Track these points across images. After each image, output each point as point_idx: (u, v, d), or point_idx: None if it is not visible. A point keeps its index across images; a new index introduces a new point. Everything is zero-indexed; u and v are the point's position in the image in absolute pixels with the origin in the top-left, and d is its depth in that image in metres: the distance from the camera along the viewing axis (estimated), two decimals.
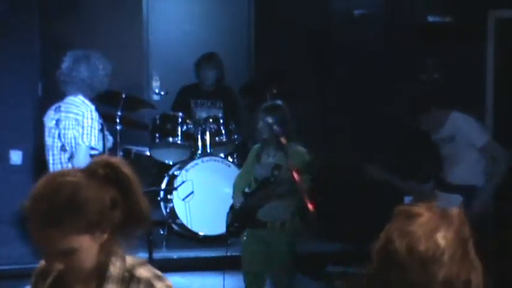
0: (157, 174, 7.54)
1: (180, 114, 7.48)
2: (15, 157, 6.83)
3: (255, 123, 5.57)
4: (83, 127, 5.42)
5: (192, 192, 7.25)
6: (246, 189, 5.65)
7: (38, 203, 2.03)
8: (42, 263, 2.26)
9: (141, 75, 8.58)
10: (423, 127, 5.95)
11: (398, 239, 1.76)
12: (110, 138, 5.87)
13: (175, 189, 7.11)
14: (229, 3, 8.89)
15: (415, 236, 1.75)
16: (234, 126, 7.60)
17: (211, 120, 7.54)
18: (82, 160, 5.33)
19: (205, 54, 7.95)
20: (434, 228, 1.76)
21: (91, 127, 5.44)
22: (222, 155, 7.52)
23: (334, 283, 5.74)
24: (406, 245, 1.75)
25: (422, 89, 7.12)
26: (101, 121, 5.60)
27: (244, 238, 5.56)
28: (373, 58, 7.56)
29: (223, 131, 7.53)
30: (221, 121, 7.56)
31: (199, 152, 7.49)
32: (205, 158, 7.36)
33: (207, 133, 7.47)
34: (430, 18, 7.34)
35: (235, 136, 7.62)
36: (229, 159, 7.51)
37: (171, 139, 7.40)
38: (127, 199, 2.12)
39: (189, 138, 7.48)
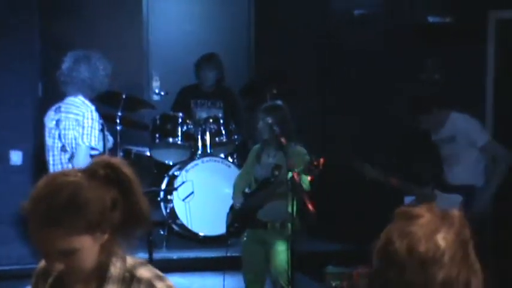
0: (157, 174, 7.54)
1: (180, 114, 7.48)
2: (16, 157, 6.83)
3: (255, 124, 5.57)
4: (83, 127, 5.43)
5: (192, 193, 7.25)
6: (246, 190, 5.65)
7: (38, 203, 2.03)
8: (43, 263, 2.26)
9: (141, 76, 8.58)
10: (423, 127, 5.95)
11: (398, 239, 1.77)
12: (110, 139, 5.87)
13: (176, 189, 7.11)
14: (229, 3, 8.89)
15: (415, 237, 1.75)
16: (234, 126, 7.61)
17: (211, 120, 7.54)
18: (82, 160, 5.33)
19: (205, 54, 7.96)
20: (434, 230, 1.76)
21: (91, 127, 5.44)
22: (222, 155, 7.52)
23: (334, 283, 5.74)
24: (406, 246, 1.75)
25: (422, 89, 7.12)
26: (101, 121, 5.60)
27: (245, 238, 5.56)
28: (373, 58, 7.56)
29: (223, 132, 7.53)
30: (221, 121, 7.56)
31: (200, 152, 7.49)
32: (205, 159, 7.37)
33: (207, 133, 7.47)
34: (430, 19, 7.34)
35: (236, 136, 7.62)
36: (230, 159, 7.52)
37: (171, 139, 7.40)
38: (127, 199, 2.12)
39: (189, 138, 7.48)
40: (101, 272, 2.15)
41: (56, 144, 5.55)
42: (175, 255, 7.10)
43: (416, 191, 5.85)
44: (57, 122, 5.55)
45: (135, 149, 7.44)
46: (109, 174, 2.11)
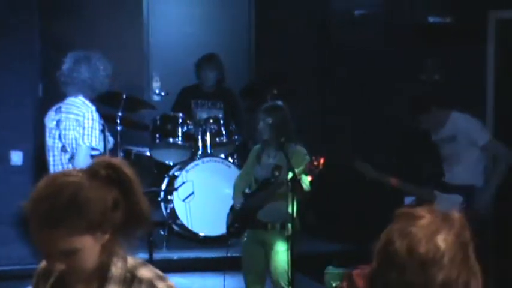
0: (157, 174, 7.54)
1: (181, 115, 7.49)
2: (16, 158, 6.84)
3: (256, 124, 5.57)
4: (83, 128, 5.43)
5: (193, 193, 7.25)
6: (247, 190, 5.65)
7: (39, 204, 2.03)
8: (43, 263, 2.27)
9: (141, 76, 8.59)
10: (423, 127, 5.95)
11: (398, 240, 1.77)
12: (111, 139, 5.88)
13: (176, 189, 7.12)
14: (229, 5, 8.89)
15: (415, 238, 1.75)
16: (234, 127, 7.61)
17: (211, 121, 7.54)
18: (83, 161, 5.33)
19: (206, 55, 7.96)
20: (435, 231, 1.76)
21: (91, 128, 5.44)
22: (222, 155, 7.53)
23: (334, 283, 5.74)
24: (407, 246, 1.75)
25: (422, 89, 7.12)
26: (101, 122, 5.60)
27: (245, 239, 5.57)
28: (373, 58, 7.56)
29: (223, 132, 7.53)
30: (221, 122, 7.56)
31: (200, 152, 7.49)
32: (205, 159, 7.37)
33: (208, 134, 7.47)
34: (431, 19, 7.34)
35: (236, 137, 7.62)
36: (230, 159, 7.52)
37: (171, 140, 7.40)
38: (128, 200, 2.12)
39: (190, 138, 7.48)
40: (101, 272, 2.15)
41: (56, 145, 5.55)
42: (175, 255, 7.10)
43: (416, 191, 5.85)
44: (58, 122, 5.55)
45: (135, 149, 7.44)
46: (110, 174, 2.11)
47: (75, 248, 2.05)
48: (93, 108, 5.55)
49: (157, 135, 7.39)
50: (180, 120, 7.42)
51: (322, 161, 4.98)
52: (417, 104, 5.93)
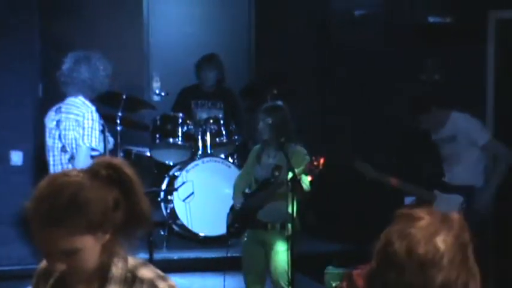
0: (157, 175, 7.54)
1: (181, 115, 7.49)
2: (16, 158, 6.83)
3: (256, 124, 5.57)
4: (83, 128, 5.43)
5: (193, 193, 7.25)
6: (247, 190, 5.65)
7: (40, 203, 2.03)
8: (44, 264, 2.27)
9: (141, 76, 8.59)
10: (423, 127, 5.95)
11: (398, 241, 1.77)
12: (111, 140, 5.88)
13: (176, 190, 7.12)
14: (229, 5, 8.90)
15: (414, 239, 1.75)
16: (234, 127, 7.61)
17: (211, 121, 7.54)
18: (83, 161, 5.33)
19: (206, 55, 7.96)
20: (434, 232, 1.76)
21: (92, 128, 5.44)
22: (222, 155, 7.53)
23: (334, 283, 5.74)
24: (406, 247, 1.75)
25: (422, 89, 7.12)
26: (101, 122, 5.60)
27: (245, 239, 5.57)
28: (373, 58, 7.56)
29: (223, 132, 7.54)
30: (221, 122, 7.56)
31: (200, 152, 7.49)
32: (205, 159, 7.37)
33: (208, 134, 7.47)
34: (431, 19, 7.34)
35: (236, 137, 7.62)
36: (230, 160, 7.52)
37: (171, 140, 7.40)
38: (129, 200, 2.13)
39: (190, 139, 7.48)
40: (102, 272, 2.16)
41: (56, 145, 5.55)
42: (175, 255, 7.11)
43: (416, 191, 5.85)
44: (58, 122, 5.55)
45: (135, 149, 7.44)
46: (111, 174, 2.11)
47: (76, 247, 2.05)
48: (93, 108, 5.55)
49: (157, 135, 7.39)
50: (180, 121, 7.42)
51: (322, 161, 4.98)
52: (417, 104, 5.93)
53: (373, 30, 7.74)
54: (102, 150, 5.56)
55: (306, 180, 5.18)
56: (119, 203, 2.11)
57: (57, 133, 5.55)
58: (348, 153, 6.84)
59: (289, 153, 5.20)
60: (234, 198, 5.70)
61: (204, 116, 7.79)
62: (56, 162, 5.55)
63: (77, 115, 5.48)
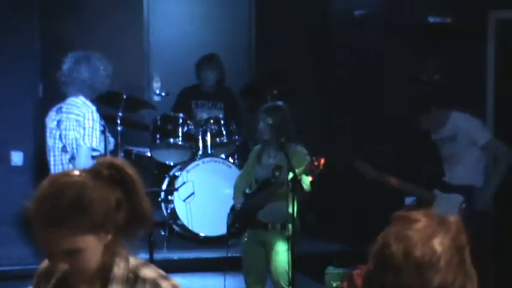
0: (158, 175, 7.54)
1: (181, 115, 7.49)
2: (16, 158, 6.84)
3: (256, 124, 5.58)
4: (84, 128, 5.43)
5: (193, 193, 7.25)
6: (247, 190, 5.65)
7: (42, 203, 2.03)
8: (44, 264, 2.27)
9: (141, 76, 8.59)
10: (423, 127, 5.95)
11: (395, 243, 1.77)
12: (112, 140, 5.88)
13: (176, 190, 7.12)
14: (229, 4, 8.90)
15: (411, 241, 1.75)
16: (234, 127, 7.61)
17: (212, 121, 7.54)
18: (83, 161, 5.34)
19: (206, 55, 7.96)
20: (431, 234, 1.77)
21: (92, 128, 5.44)
22: (222, 155, 7.53)
23: (334, 284, 5.74)
24: (403, 250, 1.75)
25: (422, 89, 7.12)
26: (102, 123, 5.60)
27: (245, 239, 5.57)
28: (373, 58, 7.56)
29: (224, 132, 7.54)
30: (222, 122, 7.56)
31: (200, 152, 7.50)
32: (206, 159, 7.37)
33: (208, 134, 7.48)
34: (431, 19, 7.33)
35: (236, 137, 7.62)
36: (230, 160, 7.52)
37: (171, 140, 7.40)
38: (131, 200, 2.13)
39: (190, 139, 7.49)
40: (104, 272, 2.16)
41: (56, 145, 5.55)
42: (176, 255, 7.11)
43: (416, 191, 5.85)
44: (58, 122, 5.55)
45: (135, 149, 7.45)
46: (113, 174, 2.12)
47: (78, 247, 2.05)
48: (94, 108, 5.55)
49: (158, 136, 7.39)
50: (181, 121, 7.42)
51: (322, 161, 4.98)
52: (417, 104, 5.93)
53: (373, 30, 7.74)
54: (102, 151, 5.56)
55: (307, 181, 5.18)
56: (121, 203, 2.11)
57: (57, 133, 5.55)
58: (348, 153, 6.84)
59: (289, 153, 5.20)
60: (234, 198, 5.70)
61: (205, 116, 7.79)
62: (57, 163, 5.55)
63: (78, 115, 5.48)
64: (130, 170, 2.15)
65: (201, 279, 6.72)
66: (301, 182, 5.09)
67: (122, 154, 6.47)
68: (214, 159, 7.40)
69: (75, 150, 5.46)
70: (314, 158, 5.05)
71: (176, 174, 7.37)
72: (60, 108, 5.60)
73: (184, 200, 7.23)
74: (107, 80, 5.67)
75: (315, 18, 8.47)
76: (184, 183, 7.18)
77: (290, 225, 5.20)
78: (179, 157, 7.56)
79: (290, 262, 5.19)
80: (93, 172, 2.11)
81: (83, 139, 5.41)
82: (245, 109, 7.97)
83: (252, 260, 5.52)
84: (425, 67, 7.41)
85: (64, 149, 5.52)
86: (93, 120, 5.46)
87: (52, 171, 5.50)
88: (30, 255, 6.10)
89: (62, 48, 6.21)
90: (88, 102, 5.55)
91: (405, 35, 7.43)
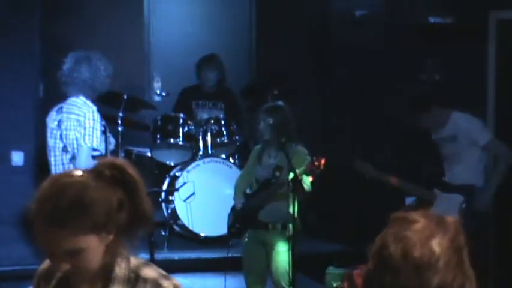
0: (158, 175, 7.54)
1: (182, 115, 7.49)
2: (17, 158, 6.84)
3: (256, 124, 5.58)
4: (84, 128, 5.43)
5: (194, 193, 7.25)
6: (248, 190, 5.65)
7: (44, 204, 2.04)
8: (45, 264, 2.27)
9: (142, 77, 8.59)
10: (423, 126, 5.95)
11: (393, 244, 1.77)
12: (112, 141, 5.88)
13: (177, 190, 7.12)
14: (230, 4, 8.90)
15: (410, 242, 1.76)
16: (235, 127, 7.61)
17: (212, 121, 7.54)
18: (84, 161, 5.34)
19: (206, 55, 7.96)
20: (429, 235, 1.77)
21: (93, 128, 5.44)
22: (223, 156, 7.53)
23: (334, 284, 5.74)
24: (401, 250, 1.75)
25: (422, 89, 7.12)
26: (103, 123, 5.61)
27: (246, 239, 5.57)
28: (373, 58, 7.57)
29: (224, 132, 7.54)
30: (222, 122, 7.56)
31: (201, 153, 7.50)
32: (206, 159, 7.37)
33: (209, 134, 7.48)
34: (431, 19, 7.33)
35: (237, 137, 7.62)
36: (231, 160, 7.52)
37: (172, 140, 7.41)
38: (132, 200, 2.13)
39: (191, 139, 7.49)
40: (105, 272, 2.16)
41: (57, 145, 5.55)
42: (176, 255, 7.10)
43: (416, 190, 5.85)
44: (59, 122, 5.55)
45: (136, 149, 7.45)
46: (115, 175, 2.12)
47: (79, 247, 2.05)
48: (95, 108, 5.55)
49: (158, 136, 7.39)
50: (181, 121, 7.42)
51: (323, 161, 4.99)
52: (417, 103, 5.93)
53: (373, 31, 7.74)
54: (103, 151, 5.56)
55: (307, 181, 5.18)
56: (123, 203, 2.11)
57: (58, 133, 5.55)
58: (348, 153, 6.84)
59: (290, 153, 5.21)
60: (235, 198, 5.70)
61: (205, 116, 7.79)
62: (57, 163, 5.55)
63: (78, 115, 5.48)
64: (132, 171, 2.15)
65: (202, 279, 6.72)
66: (302, 182, 5.09)
67: (122, 154, 6.47)
68: (215, 159, 7.40)
69: (75, 150, 5.46)
70: (314, 158, 5.05)
71: (177, 174, 7.37)
72: (61, 108, 5.60)
73: (184, 200, 7.23)
74: (108, 80, 5.67)
75: (315, 18, 8.47)
76: (184, 183, 7.18)
77: (291, 226, 5.20)
78: (180, 157, 7.56)
79: (290, 262, 5.19)
80: (95, 172, 2.12)
81: (84, 139, 5.41)
82: (246, 109, 7.97)
83: (253, 260, 5.52)
84: (426, 67, 7.40)
85: (65, 149, 5.52)
86: (93, 120, 5.46)
87: (53, 171, 5.50)
88: (30, 255, 6.09)
89: (62, 48, 6.21)
90: (89, 102, 5.55)
91: (405, 35, 7.43)
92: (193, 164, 7.30)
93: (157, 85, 8.70)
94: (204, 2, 8.94)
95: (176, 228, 7.46)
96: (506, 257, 6.58)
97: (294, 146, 5.40)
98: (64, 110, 5.56)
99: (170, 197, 7.31)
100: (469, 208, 5.59)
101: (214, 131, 7.50)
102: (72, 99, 5.56)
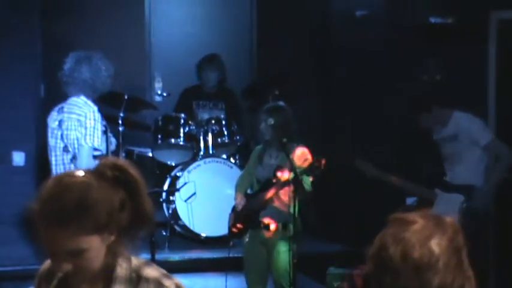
0: (159, 175, 7.54)
1: (182, 115, 7.49)
2: (18, 158, 6.84)
3: (257, 125, 5.58)
4: (85, 128, 5.43)
5: (194, 194, 7.26)
6: (249, 191, 5.66)
7: (46, 204, 2.04)
8: (46, 265, 2.27)
9: (143, 77, 8.59)
10: (424, 126, 5.95)
11: (392, 245, 1.77)
12: (113, 141, 5.88)
13: (178, 190, 7.12)
14: (231, 5, 8.90)
15: (409, 243, 1.76)
16: (236, 127, 7.61)
17: (213, 121, 7.55)
18: (85, 161, 5.34)
19: (207, 55, 7.97)
20: (428, 236, 1.77)
21: (94, 128, 5.44)
22: (224, 156, 7.53)
23: (335, 284, 5.74)
24: (401, 252, 1.75)
25: (422, 89, 7.12)
26: (104, 123, 5.61)
27: (247, 239, 5.57)
28: (373, 58, 7.56)
29: (225, 132, 7.54)
30: (223, 122, 7.57)
31: (202, 153, 7.50)
32: (207, 159, 7.37)
33: (209, 134, 7.48)
34: (432, 19, 7.34)
35: (238, 137, 7.62)
36: (232, 160, 7.52)
37: (173, 140, 7.41)
38: (134, 201, 2.14)
39: (191, 139, 7.49)
40: (107, 272, 2.17)
41: (58, 145, 5.56)
42: (177, 256, 7.10)
43: (417, 189, 5.86)
44: (60, 122, 5.56)
45: (137, 149, 7.45)
46: (117, 175, 2.12)
47: (81, 248, 2.06)
48: (95, 108, 5.55)
49: (159, 136, 7.40)
50: (182, 121, 7.43)
51: (323, 161, 4.99)
52: (417, 103, 5.94)
53: (373, 31, 7.74)
54: (104, 151, 5.56)
55: (308, 181, 5.19)
56: (125, 204, 2.12)
57: (59, 133, 5.55)
58: (348, 153, 6.84)
59: (291, 153, 5.21)
60: (235, 198, 5.70)
61: (206, 116, 7.80)
62: (58, 162, 5.55)
63: (79, 115, 5.48)
64: (134, 171, 2.15)
65: (203, 279, 6.72)
66: (303, 182, 5.10)
67: (123, 154, 6.47)
68: (216, 159, 7.40)
69: (76, 150, 5.46)
70: (315, 158, 5.06)
71: (178, 174, 7.38)
72: (62, 108, 5.60)
73: (185, 201, 7.24)
74: (108, 80, 5.67)
75: (315, 19, 8.48)
76: (185, 183, 7.18)
77: (291, 226, 5.20)
78: (180, 157, 7.56)
79: (291, 262, 5.20)
80: (97, 173, 2.12)
81: (85, 139, 5.42)
82: (246, 109, 7.97)
83: (254, 260, 5.52)
84: (427, 67, 7.41)
85: (66, 149, 5.52)
86: (94, 120, 5.47)
87: (53, 171, 5.51)
88: (31, 255, 6.08)
89: (63, 48, 6.21)
90: (89, 102, 5.55)
91: (406, 36, 7.43)
92: (194, 164, 7.31)
93: (158, 85, 8.70)
94: (205, 3, 8.94)
95: (177, 228, 7.46)
96: (506, 257, 6.58)
97: (295, 146, 5.40)
98: (65, 109, 5.56)
99: (171, 197, 7.32)
100: (469, 208, 5.60)
101: (215, 131, 7.50)
102: (73, 99, 5.56)
